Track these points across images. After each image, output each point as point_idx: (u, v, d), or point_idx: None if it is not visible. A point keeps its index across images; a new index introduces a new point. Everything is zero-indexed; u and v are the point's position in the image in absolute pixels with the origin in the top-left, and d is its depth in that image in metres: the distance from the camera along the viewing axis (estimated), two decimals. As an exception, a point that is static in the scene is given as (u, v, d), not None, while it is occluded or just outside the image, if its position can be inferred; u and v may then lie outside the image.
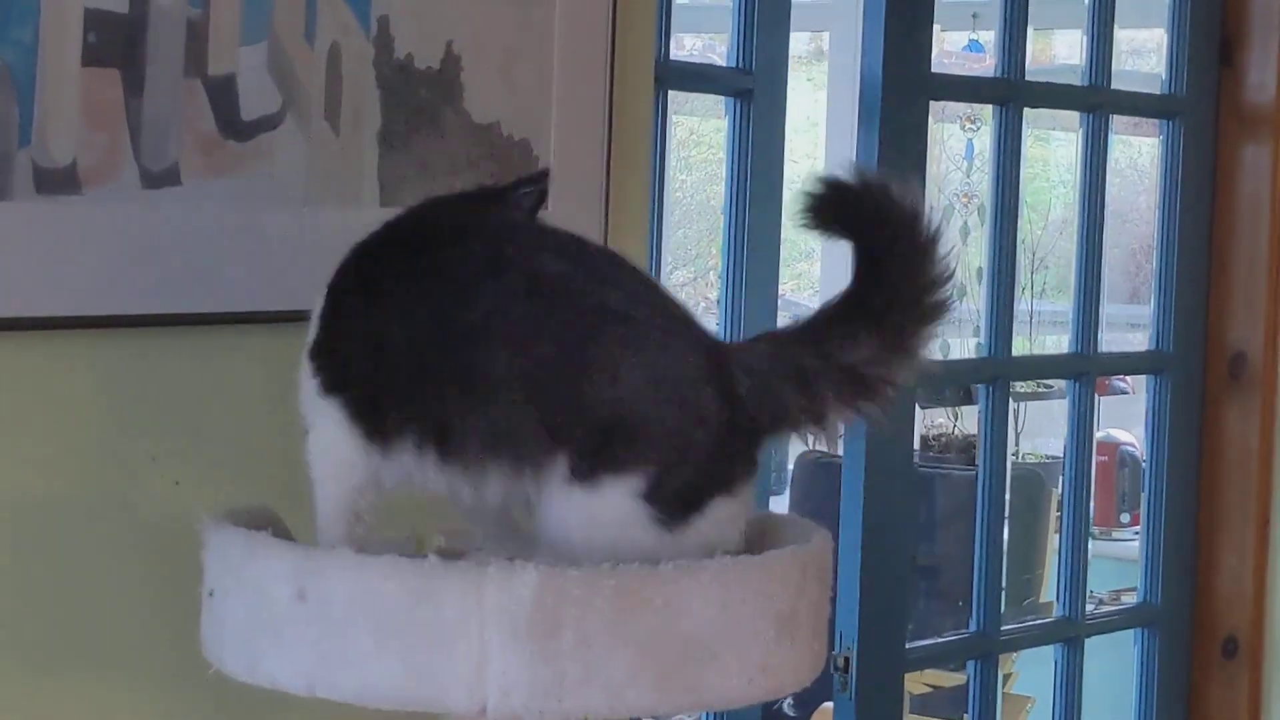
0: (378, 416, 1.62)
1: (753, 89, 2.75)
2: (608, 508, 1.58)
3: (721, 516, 1.61)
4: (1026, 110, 3.11)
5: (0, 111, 1.78)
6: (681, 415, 1.57)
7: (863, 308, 1.63)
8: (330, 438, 1.65)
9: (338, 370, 1.65)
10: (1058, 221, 7.60)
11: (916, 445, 4.41)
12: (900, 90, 2.87)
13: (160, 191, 1.89)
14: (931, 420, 5.61)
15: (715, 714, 2.79)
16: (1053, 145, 8.16)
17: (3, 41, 1.77)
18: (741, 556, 1.61)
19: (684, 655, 1.55)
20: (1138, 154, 7.57)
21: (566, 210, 2.20)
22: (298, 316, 1.98)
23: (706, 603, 1.56)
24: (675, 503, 1.58)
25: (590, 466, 1.56)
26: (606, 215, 2.27)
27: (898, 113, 2.87)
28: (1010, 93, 3.07)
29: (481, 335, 1.57)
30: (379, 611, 1.53)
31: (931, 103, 2.95)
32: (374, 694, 1.55)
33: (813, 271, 8.14)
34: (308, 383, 1.67)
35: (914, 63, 2.90)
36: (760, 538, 1.72)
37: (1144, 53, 6.62)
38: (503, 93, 2.16)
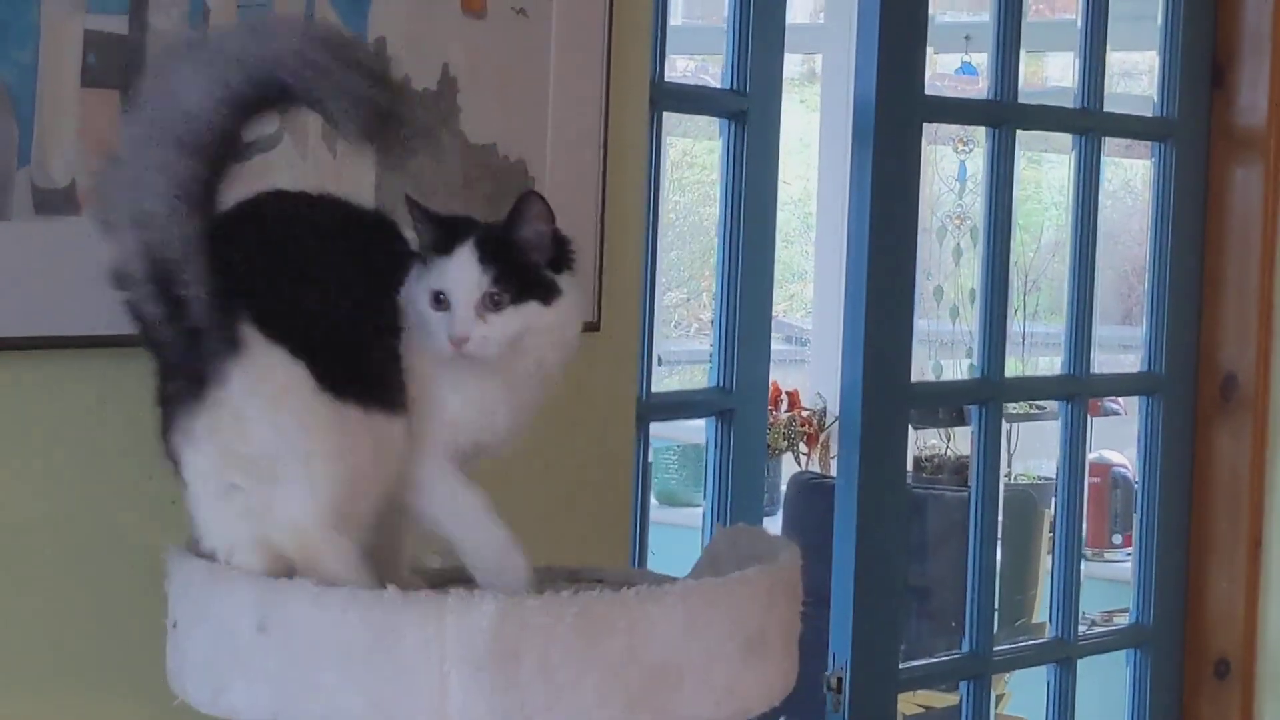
0: None
1: (747, 110, 2.77)
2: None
3: None
4: (1019, 132, 3.13)
5: (0, 132, 1.78)
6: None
7: None
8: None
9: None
10: (1050, 243, 7.61)
11: (909, 466, 4.42)
12: (894, 112, 2.88)
13: (158, 212, 1.89)
14: (924, 441, 5.61)
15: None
16: (1045, 167, 8.18)
17: (3, 62, 1.78)
18: (705, 579, 1.63)
19: (650, 680, 1.56)
20: (1130, 176, 7.59)
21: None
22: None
23: (670, 626, 1.57)
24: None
25: None
26: (601, 235, 2.28)
27: (891, 134, 2.89)
28: (1003, 115, 3.09)
29: None
30: (340, 643, 1.54)
31: (924, 125, 2.97)
32: (336, 724, 1.55)
33: (805, 292, 8.14)
34: None
35: (907, 85, 2.92)
36: (728, 555, 1.73)
37: (1135, 75, 6.64)
38: (499, 114, 2.17)
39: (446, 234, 1.67)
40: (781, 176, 2.89)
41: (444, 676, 1.51)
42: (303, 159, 2.01)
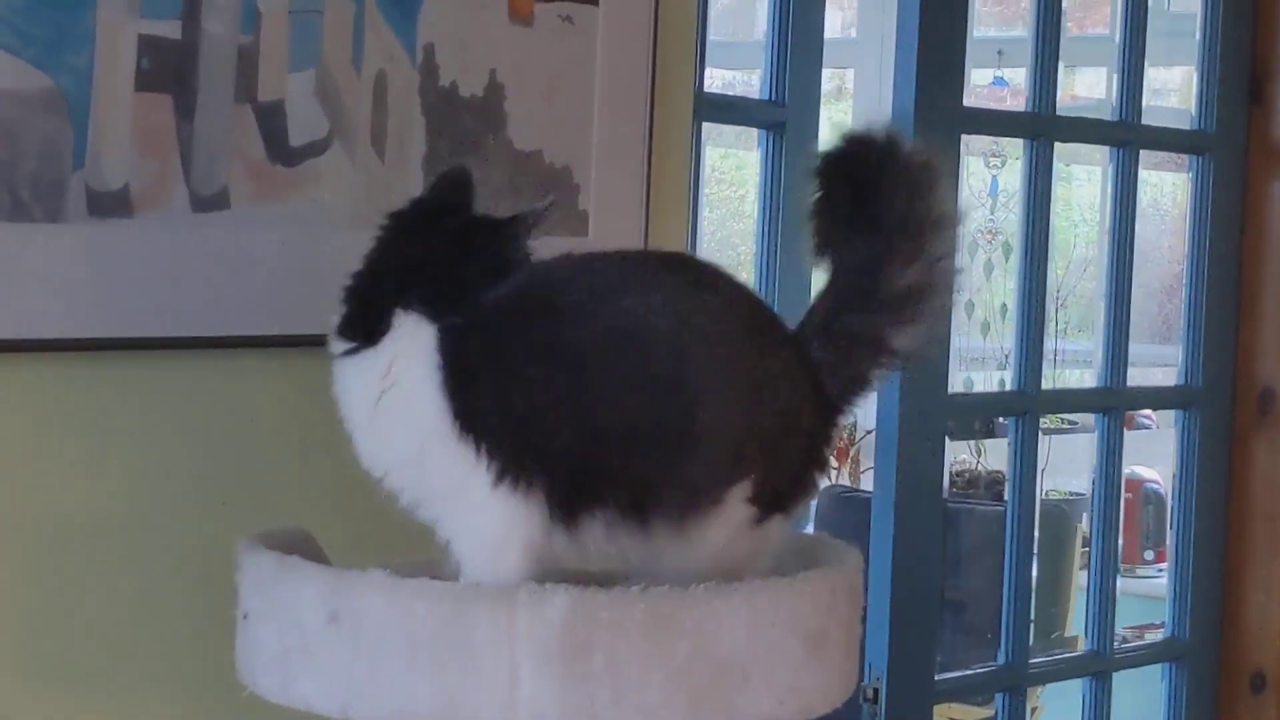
0: (570, 499, 1.59)
1: (785, 121, 2.77)
2: (728, 514, 1.61)
3: (776, 533, 1.67)
4: (1055, 146, 3.13)
5: (55, 135, 1.80)
6: (781, 423, 1.63)
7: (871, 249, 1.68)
8: (505, 530, 1.60)
9: (515, 460, 1.58)
10: (1080, 260, 7.61)
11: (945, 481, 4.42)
12: (932, 124, 2.89)
13: (209, 215, 1.91)
14: (955, 456, 5.61)
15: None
16: (1074, 184, 8.17)
17: (58, 67, 1.80)
18: (771, 578, 1.63)
19: (715, 677, 1.56)
20: (1160, 195, 7.58)
21: (607, 236, 2.23)
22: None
23: (736, 624, 1.57)
24: (769, 504, 1.63)
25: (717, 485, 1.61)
26: (646, 241, 2.29)
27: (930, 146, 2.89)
28: (1041, 127, 3.09)
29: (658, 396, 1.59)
30: (410, 634, 1.54)
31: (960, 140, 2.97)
32: (406, 716, 1.55)
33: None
34: (459, 471, 1.60)
35: (946, 97, 2.92)
36: (792, 558, 1.74)
37: (1166, 92, 6.64)
38: (545, 121, 2.18)
39: None
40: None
41: (514, 669, 1.52)
42: (352, 165, 2.02)
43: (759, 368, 1.61)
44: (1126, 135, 3.25)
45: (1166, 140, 3.53)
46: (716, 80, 6.86)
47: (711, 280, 1.65)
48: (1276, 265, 3.38)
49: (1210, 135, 3.37)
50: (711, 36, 2.84)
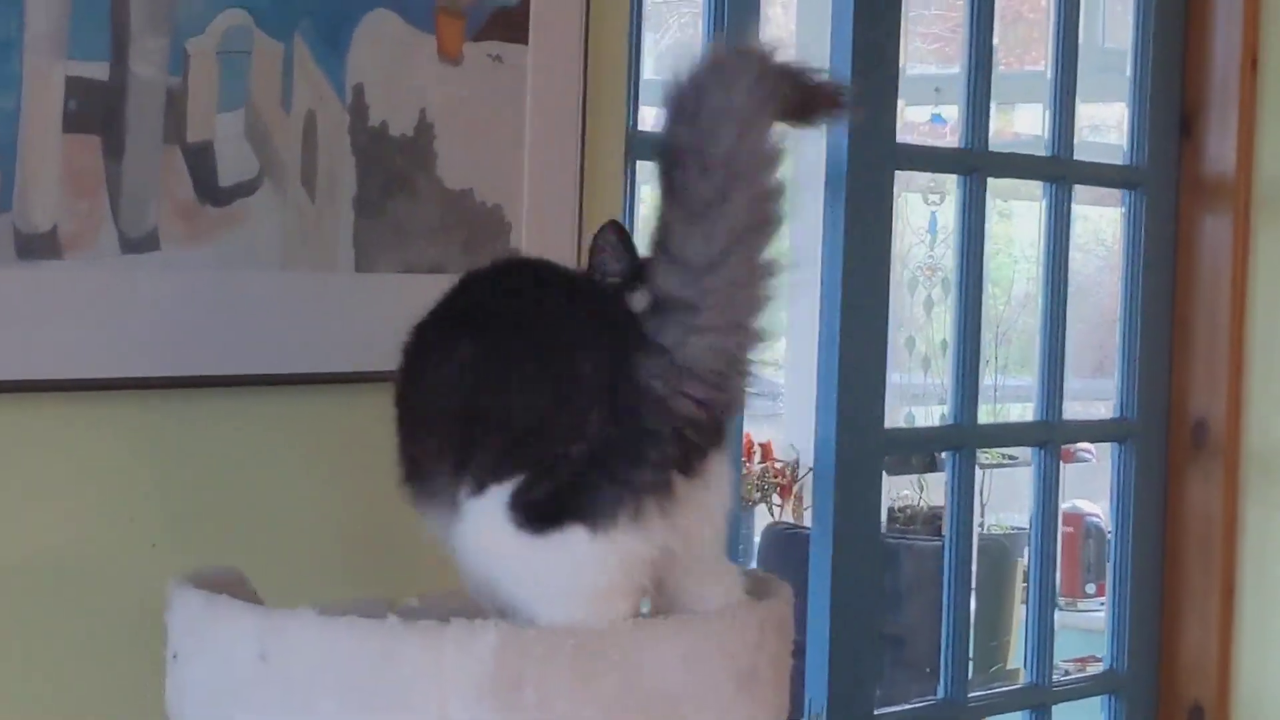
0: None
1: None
2: (484, 514, 1.59)
3: (580, 549, 1.57)
4: (990, 181, 3.15)
5: (-18, 177, 1.80)
6: (563, 426, 1.57)
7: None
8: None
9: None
10: (1020, 296, 7.66)
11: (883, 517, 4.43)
12: (866, 160, 2.91)
13: (139, 256, 1.91)
14: (897, 492, 5.63)
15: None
16: (1015, 221, 8.23)
17: (-15, 108, 1.80)
18: (701, 612, 1.63)
19: (645, 712, 1.56)
20: (1100, 230, 7.64)
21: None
22: (275, 380, 2.01)
23: (666, 659, 1.58)
24: (534, 513, 1.57)
25: (480, 478, 1.59)
26: (579, 281, 2.30)
27: (864, 182, 2.91)
28: (974, 163, 3.11)
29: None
30: (341, 672, 1.54)
31: (896, 176, 2.99)
32: (336, 755, 1.55)
33: (778, 347, 8.16)
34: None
35: (879, 134, 2.94)
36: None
37: (1105, 129, 6.69)
38: (475, 159, 2.19)
39: None
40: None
41: (444, 705, 1.52)
42: (282, 205, 2.02)
43: (542, 372, 1.59)
44: (1059, 170, 3.28)
45: (1099, 175, 3.55)
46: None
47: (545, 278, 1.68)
48: (1209, 298, 3.41)
49: (1142, 170, 3.40)
50: (650, 76, 2.85)
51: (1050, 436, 3.33)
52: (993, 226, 7.31)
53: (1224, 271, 3.40)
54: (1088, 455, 5.69)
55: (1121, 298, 3.43)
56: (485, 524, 1.59)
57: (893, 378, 2.96)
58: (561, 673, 1.53)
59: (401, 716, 1.53)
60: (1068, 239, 3.30)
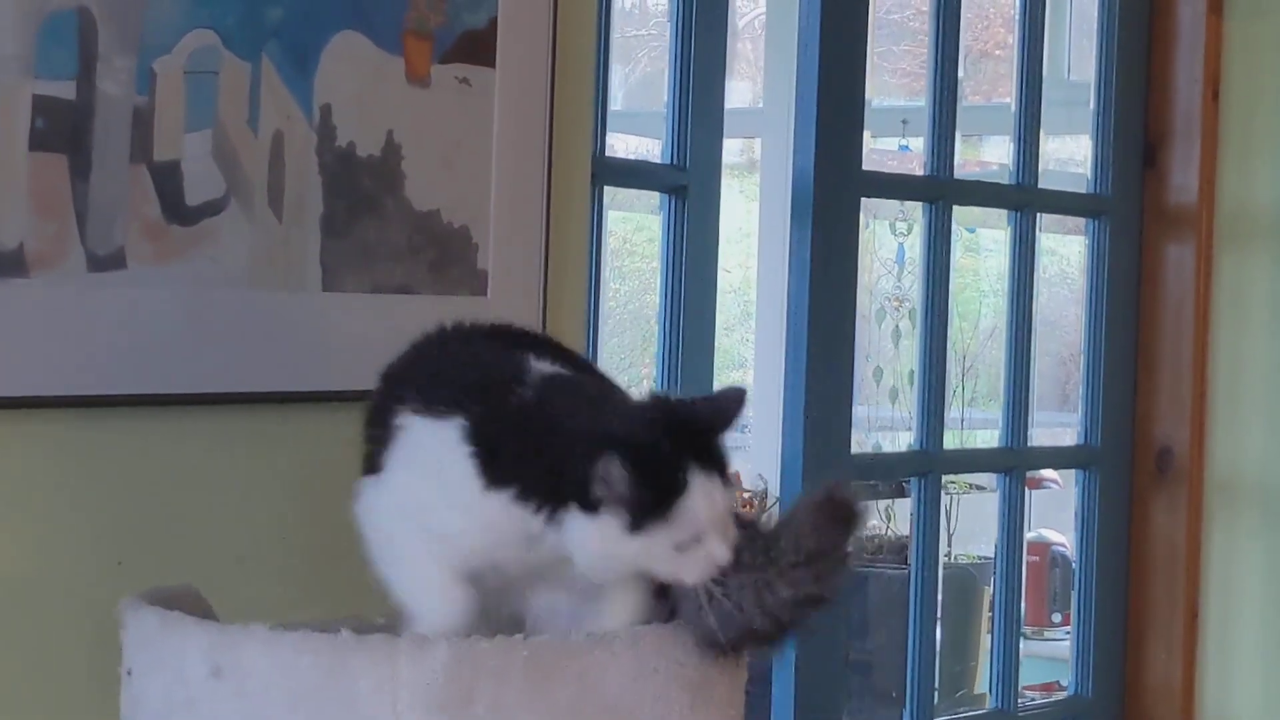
0: None
1: (687, 185, 2.79)
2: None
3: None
4: (958, 212, 3.17)
5: (-51, 194, 1.80)
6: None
7: None
8: None
9: None
10: (987, 329, 7.68)
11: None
12: (832, 186, 2.92)
13: (106, 275, 1.92)
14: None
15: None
16: (982, 255, 8.26)
17: (-48, 125, 1.80)
18: (654, 625, 1.64)
19: (601, 722, 1.57)
20: (1067, 266, 7.67)
21: (506, 296, 2.25)
22: (241, 399, 2.01)
23: (620, 672, 1.59)
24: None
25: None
26: (545, 300, 2.31)
27: (830, 209, 2.93)
28: (940, 191, 3.13)
29: None
30: (294, 686, 1.55)
31: (863, 206, 3.01)
32: (289, 768, 1.56)
33: (746, 379, 8.18)
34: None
35: (845, 160, 2.96)
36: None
37: (1074, 162, 6.73)
38: (443, 181, 2.20)
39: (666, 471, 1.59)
40: (722, 264, 2.91)
41: (397, 717, 1.52)
42: (250, 224, 2.03)
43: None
44: (1024, 199, 3.30)
45: (1064, 204, 3.58)
46: (642, 149, 6.91)
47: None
48: (1173, 325, 3.43)
49: (1106, 199, 3.43)
50: (636, 106, 2.86)
51: (1015, 463, 3.34)
52: (960, 260, 7.35)
53: (1187, 299, 3.42)
54: (1053, 485, 5.71)
55: (1085, 325, 3.45)
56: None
57: (860, 409, 2.98)
58: (514, 685, 1.54)
59: (354, 730, 1.53)
60: (1033, 267, 3.32)
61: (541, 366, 1.64)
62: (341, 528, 2.12)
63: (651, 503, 1.56)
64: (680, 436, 1.59)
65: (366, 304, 2.12)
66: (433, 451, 1.61)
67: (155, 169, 1.95)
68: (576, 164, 2.44)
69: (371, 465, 1.67)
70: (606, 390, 1.68)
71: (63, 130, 1.88)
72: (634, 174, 2.98)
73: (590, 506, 1.56)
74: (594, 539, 1.57)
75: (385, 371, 1.70)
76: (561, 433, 1.58)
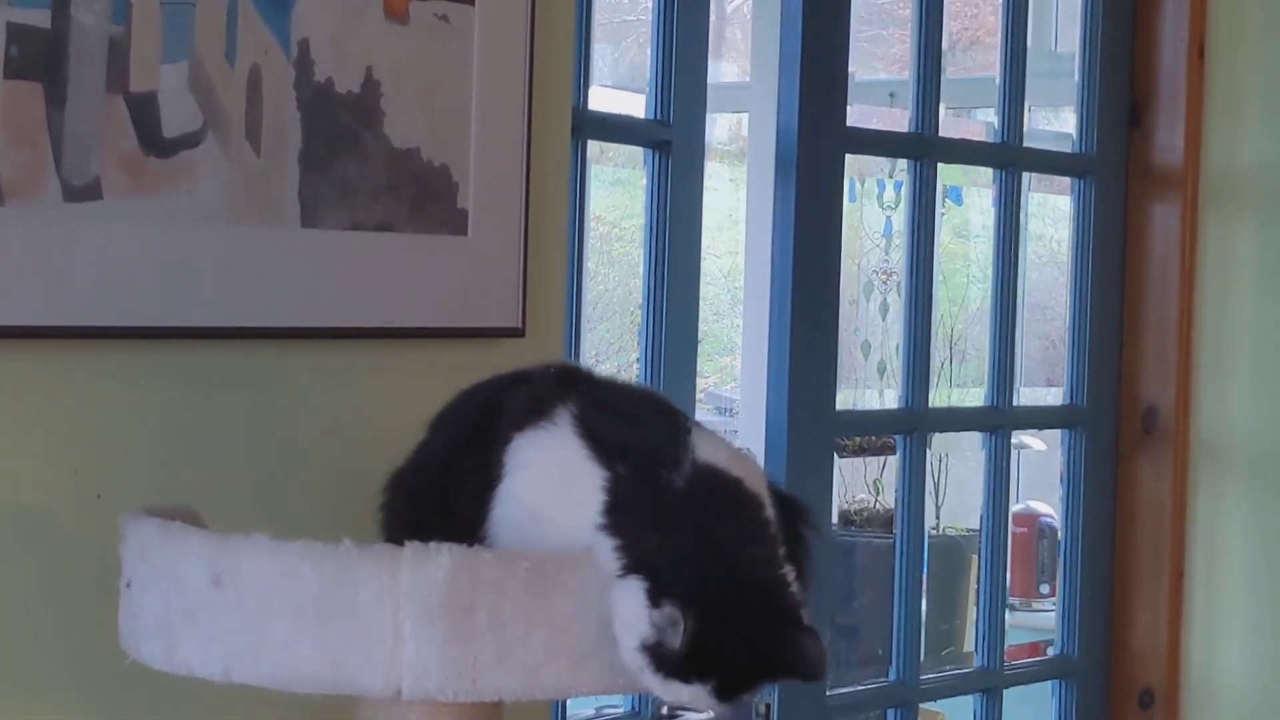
0: None
1: (670, 140, 2.78)
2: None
3: None
4: (943, 171, 3.16)
5: (-78, 120, 1.79)
6: None
7: None
8: None
9: None
10: (975, 313, 7.67)
11: (835, 520, 4.45)
12: (817, 143, 2.92)
13: (82, 206, 1.90)
14: (852, 495, 5.64)
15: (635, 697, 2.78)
16: (971, 241, 8.25)
17: (-74, 51, 1.79)
18: None
19: (598, 637, 1.57)
20: (1057, 249, 7.66)
21: (486, 235, 2.24)
22: (216, 333, 2.01)
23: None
24: None
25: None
26: (526, 241, 2.30)
27: (814, 165, 2.92)
28: (924, 148, 3.12)
29: None
30: (294, 596, 1.55)
31: (851, 184, 3.00)
32: (290, 678, 1.56)
33: (736, 365, 8.18)
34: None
35: (829, 116, 2.95)
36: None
37: (1060, 136, 6.72)
38: (422, 119, 2.19)
39: None
40: (712, 250, 2.91)
41: (397, 628, 1.52)
42: (227, 159, 2.02)
43: None
44: (1009, 157, 3.29)
45: (1049, 162, 3.57)
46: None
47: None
48: (1158, 285, 3.43)
49: (1091, 158, 3.42)
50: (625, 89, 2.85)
51: (1001, 422, 3.33)
52: (949, 245, 7.33)
53: (1173, 259, 3.42)
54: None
55: (1070, 285, 3.45)
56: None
57: (848, 382, 2.96)
58: (514, 597, 1.54)
59: (354, 640, 1.53)
60: (1018, 224, 3.32)
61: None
62: (316, 462, 2.12)
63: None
64: None
65: (345, 241, 2.11)
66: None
67: (131, 100, 1.94)
68: (556, 105, 2.43)
69: None
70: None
71: (38, 59, 1.87)
72: (617, 128, 2.97)
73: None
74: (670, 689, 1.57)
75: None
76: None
